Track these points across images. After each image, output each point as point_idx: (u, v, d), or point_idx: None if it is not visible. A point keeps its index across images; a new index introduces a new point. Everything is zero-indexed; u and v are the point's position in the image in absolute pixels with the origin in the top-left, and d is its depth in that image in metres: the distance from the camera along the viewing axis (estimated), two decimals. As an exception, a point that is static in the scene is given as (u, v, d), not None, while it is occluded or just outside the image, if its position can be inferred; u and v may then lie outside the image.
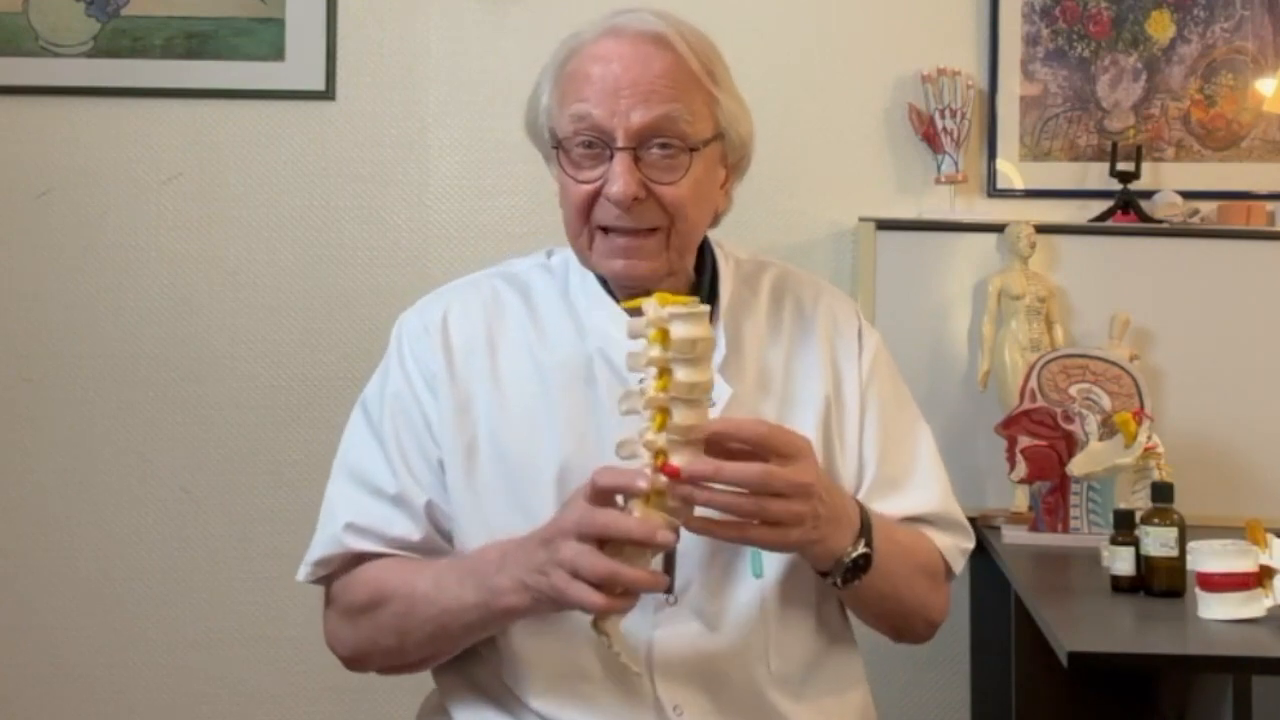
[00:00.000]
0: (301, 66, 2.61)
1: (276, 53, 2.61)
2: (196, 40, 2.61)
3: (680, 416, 1.18)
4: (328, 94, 2.62)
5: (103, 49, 2.61)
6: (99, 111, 2.62)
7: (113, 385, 2.61)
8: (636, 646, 1.34)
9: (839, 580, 1.31)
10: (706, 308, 1.20)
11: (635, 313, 1.22)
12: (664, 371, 1.18)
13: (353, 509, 1.40)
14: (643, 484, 1.16)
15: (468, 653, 1.40)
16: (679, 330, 1.18)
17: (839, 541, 1.29)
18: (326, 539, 1.41)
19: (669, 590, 1.24)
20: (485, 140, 2.62)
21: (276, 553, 2.52)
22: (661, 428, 1.17)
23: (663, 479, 1.17)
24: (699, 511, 1.21)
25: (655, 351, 1.18)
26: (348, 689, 2.54)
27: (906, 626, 1.46)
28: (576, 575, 1.18)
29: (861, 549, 1.30)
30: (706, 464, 1.17)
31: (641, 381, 1.20)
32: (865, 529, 1.31)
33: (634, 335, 1.21)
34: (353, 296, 2.61)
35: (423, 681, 1.48)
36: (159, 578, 2.61)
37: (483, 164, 2.63)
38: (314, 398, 2.61)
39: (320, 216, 2.63)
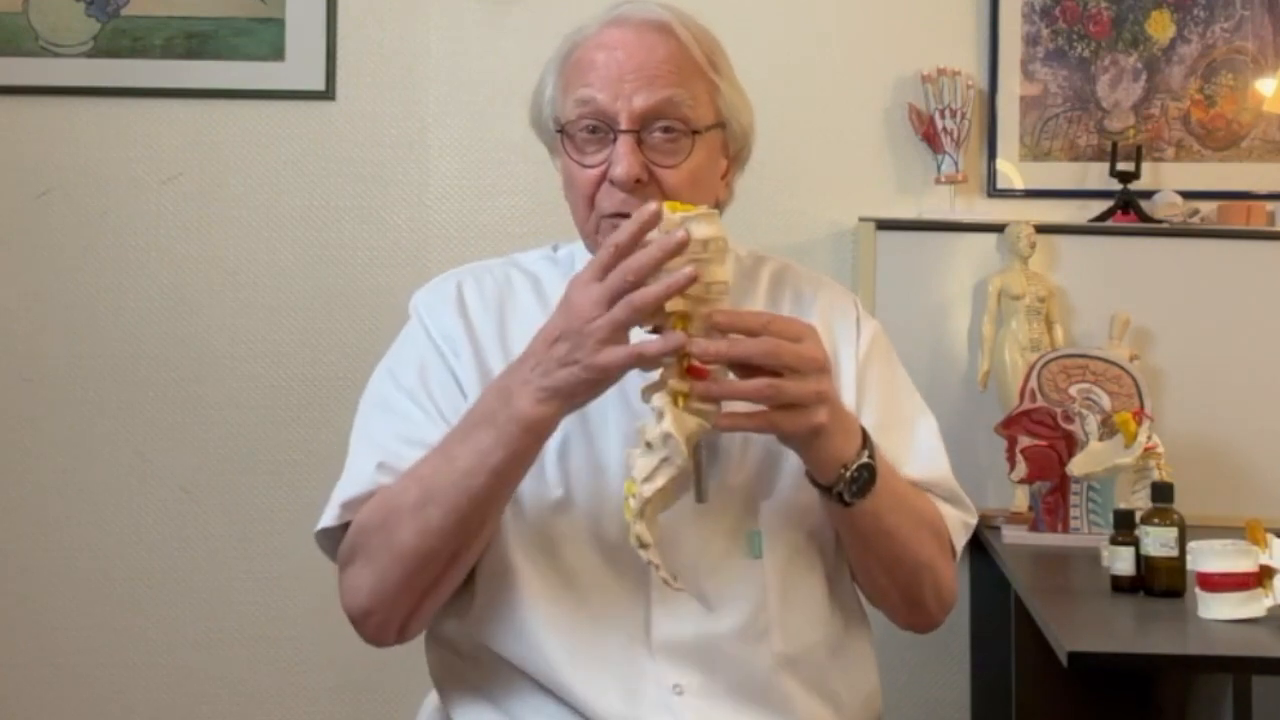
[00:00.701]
0: (301, 66, 2.61)
1: (276, 53, 2.61)
2: (196, 40, 2.61)
3: (701, 318, 1.20)
4: (328, 94, 2.62)
5: (103, 49, 2.61)
6: (99, 111, 2.62)
7: (113, 385, 2.61)
8: (635, 627, 1.34)
9: (845, 493, 1.30)
10: (716, 211, 1.23)
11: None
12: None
13: (384, 451, 1.37)
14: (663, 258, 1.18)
15: (466, 655, 1.40)
16: (694, 231, 1.20)
17: (845, 444, 1.29)
18: (358, 478, 1.36)
19: (701, 499, 1.25)
20: (485, 140, 2.62)
21: (276, 553, 2.52)
22: (684, 329, 1.19)
23: (689, 380, 1.19)
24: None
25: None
26: (348, 688, 2.55)
27: (916, 591, 1.43)
28: (612, 341, 1.19)
29: (865, 458, 1.30)
30: (719, 342, 1.19)
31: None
32: (867, 441, 1.31)
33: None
34: (353, 296, 2.61)
35: (422, 682, 1.48)
36: (159, 578, 2.61)
37: (483, 164, 2.63)
38: (314, 398, 2.61)
39: (320, 216, 2.63)
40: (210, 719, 2.61)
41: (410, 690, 1.57)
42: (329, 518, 1.37)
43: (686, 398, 1.19)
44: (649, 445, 1.18)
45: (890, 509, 1.35)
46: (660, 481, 1.19)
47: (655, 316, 1.20)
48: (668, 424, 1.18)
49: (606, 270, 1.20)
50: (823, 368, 1.24)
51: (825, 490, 1.32)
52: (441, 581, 1.33)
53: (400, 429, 1.38)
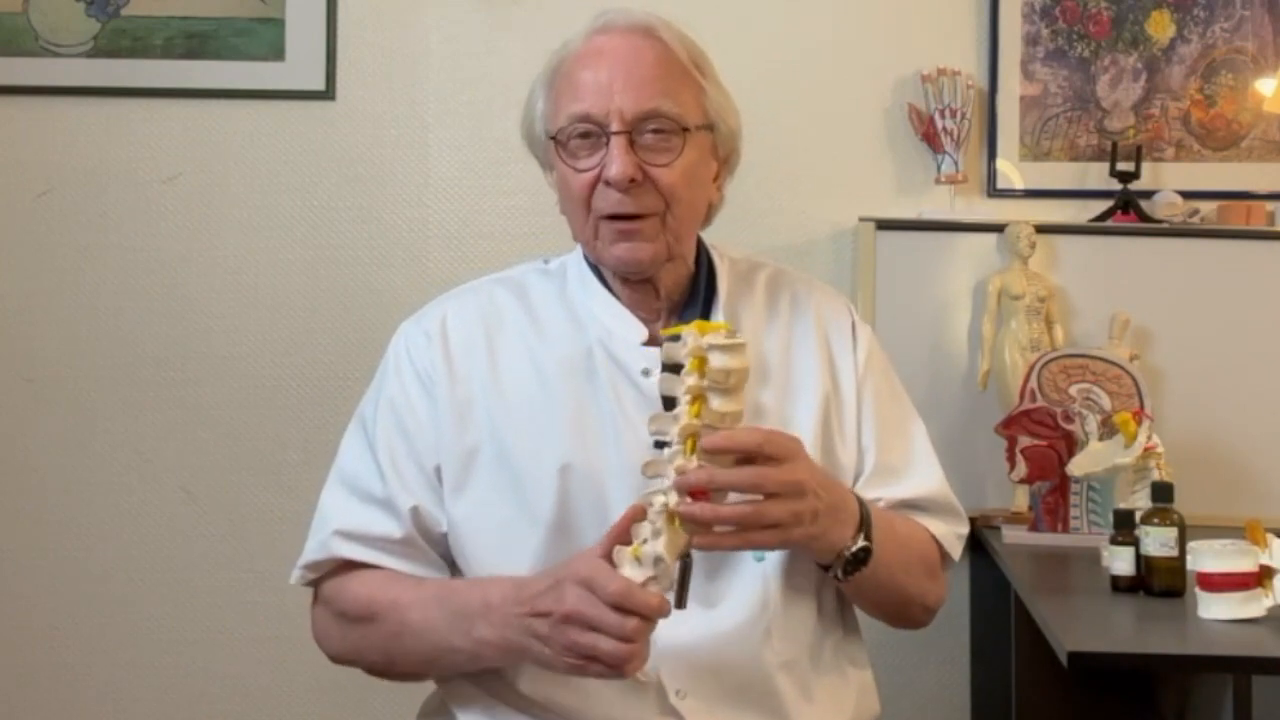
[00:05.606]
0: (301, 66, 2.61)
1: (276, 53, 2.61)
2: (196, 40, 2.61)
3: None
4: (328, 94, 2.61)
5: (103, 49, 2.61)
6: (99, 111, 2.62)
7: (113, 385, 2.61)
8: None
9: (839, 573, 1.34)
10: (745, 340, 1.23)
11: (674, 339, 1.25)
12: (698, 399, 1.21)
13: (342, 516, 1.42)
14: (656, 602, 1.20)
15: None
16: (716, 360, 1.21)
17: (839, 535, 1.32)
18: (316, 545, 1.43)
19: (681, 605, 1.26)
20: (485, 140, 2.62)
21: (276, 552, 2.51)
22: (693, 452, 1.21)
23: (689, 502, 1.20)
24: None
25: (692, 379, 1.21)
26: (347, 688, 2.54)
27: (904, 614, 1.49)
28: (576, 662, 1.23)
29: (861, 543, 1.33)
30: (701, 474, 1.21)
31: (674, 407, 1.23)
32: (865, 523, 1.34)
33: (670, 360, 1.24)
34: (352, 296, 2.61)
35: (423, 682, 1.49)
36: (159, 578, 2.61)
37: (483, 164, 2.63)
38: (314, 398, 2.61)
39: (320, 216, 2.63)
40: (210, 718, 2.61)
41: (409, 690, 1.57)
42: (295, 578, 1.45)
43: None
44: (638, 559, 1.20)
45: (885, 567, 1.38)
46: None
47: None
48: (660, 546, 1.20)
49: (609, 602, 1.20)
50: (805, 489, 1.26)
51: (821, 567, 1.36)
52: (406, 680, 1.44)
53: (357, 483, 1.42)
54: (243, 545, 2.60)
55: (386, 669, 1.42)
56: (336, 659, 1.45)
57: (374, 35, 2.62)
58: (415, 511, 1.40)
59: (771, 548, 1.30)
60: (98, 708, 2.61)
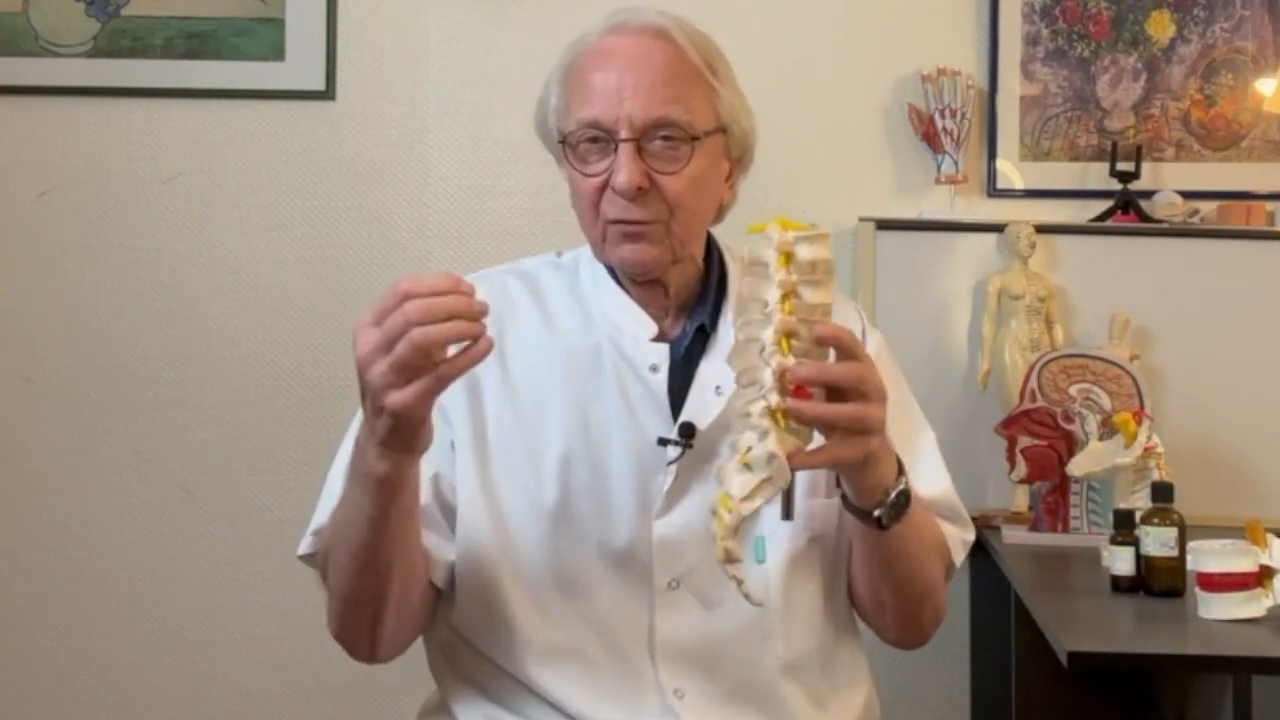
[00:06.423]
0: (301, 66, 2.61)
1: (276, 53, 2.61)
2: (196, 40, 2.61)
3: (804, 339, 1.19)
4: (328, 94, 2.62)
5: (103, 49, 2.61)
6: (99, 111, 2.62)
7: (113, 385, 2.61)
8: (638, 632, 1.35)
9: (884, 518, 1.30)
10: (828, 231, 1.21)
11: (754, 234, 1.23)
12: (788, 295, 1.19)
13: None
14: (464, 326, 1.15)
15: (467, 650, 1.41)
16: (804, 252, 1.19)
17: (888, 469, 1.29)
18: (325, 506, 1.39)
19: (788, 516, 1.23)
20: (485, 140, 2.62)
21: (276, 553, 2.52)
22: (789, 350, 1.18)
23: (790, 400, 1.17)
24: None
25: (781, 274, 1.19)
26: (348, 688, 2.55)
27: (916, 611, 1.45)
28: (398, 384, 1.17)
29: (904, 484, 1.30)
30: (813, 367, 1.18)
31: (766, 308, 1.20)
32: (900, 466, 1.32)
33: (754, 259, 1.21)
34: (352, 296, 2.61)
35: (423, 681, 1.49)
36: (159, 578, 2.61)
37: (483, 164, 2.63)
38: (314, 397, 2.61)
39: (320, 216, 2.63)
40: (209, 719, 2.61)
41: (409, 690, 1.57)
42: (303, 546, 1.41)
43: (786, 416, 1.17)
44: (748, 465, 1.16)
45: (914, 532, 1.36)
46: (758, 501, 1.17)
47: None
48: (773, 444, 1.15)
49: (385, 314, 1.17)
50: (885, 394, 1.23)
51: (863, 514, 1.32)
52: (383, 616, 1.34)
53: None
54: (243, 545, 2.60)
55: (353, 598, 1.34)
56: (337, 634, 1.39)
57: (374, 35, 2.63)
58: (436, 480, 1.38)
59: (854, 459, 1.24)
60: (98, 708, 2.61)
